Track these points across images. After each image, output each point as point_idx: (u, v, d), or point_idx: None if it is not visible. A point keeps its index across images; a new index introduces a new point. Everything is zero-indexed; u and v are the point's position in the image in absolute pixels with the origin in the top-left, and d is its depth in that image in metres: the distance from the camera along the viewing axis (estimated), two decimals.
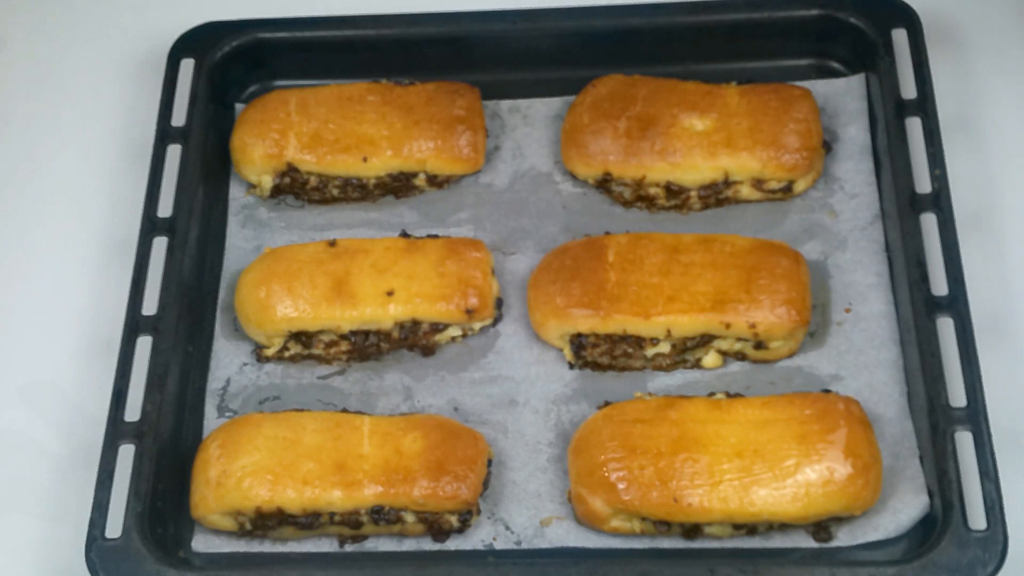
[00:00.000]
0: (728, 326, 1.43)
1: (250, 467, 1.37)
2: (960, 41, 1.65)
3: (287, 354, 1.51)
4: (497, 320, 1.51)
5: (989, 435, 1.33)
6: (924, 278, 1.42)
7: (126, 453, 1.39)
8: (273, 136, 1.59)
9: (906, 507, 1.35)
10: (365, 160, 1.57)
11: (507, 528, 1.39)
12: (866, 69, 1.61)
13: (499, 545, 1.38)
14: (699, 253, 1.46)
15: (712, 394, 1.42)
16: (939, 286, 1.42)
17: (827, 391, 1.41)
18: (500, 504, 1.40)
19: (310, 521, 1.37)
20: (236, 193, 1.63)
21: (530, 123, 1.64)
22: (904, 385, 1.43)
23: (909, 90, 1.54)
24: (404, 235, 1.55)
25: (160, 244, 1.52)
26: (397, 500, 1.36)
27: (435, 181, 1.60)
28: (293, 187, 1.60)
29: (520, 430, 1.44)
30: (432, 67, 1.64)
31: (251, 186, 1.62)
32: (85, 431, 1.47)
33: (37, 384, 1.53)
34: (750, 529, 1.36)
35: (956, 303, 1.40)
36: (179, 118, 1.60)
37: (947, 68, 1.60)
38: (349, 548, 1.39)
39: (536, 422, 1.45)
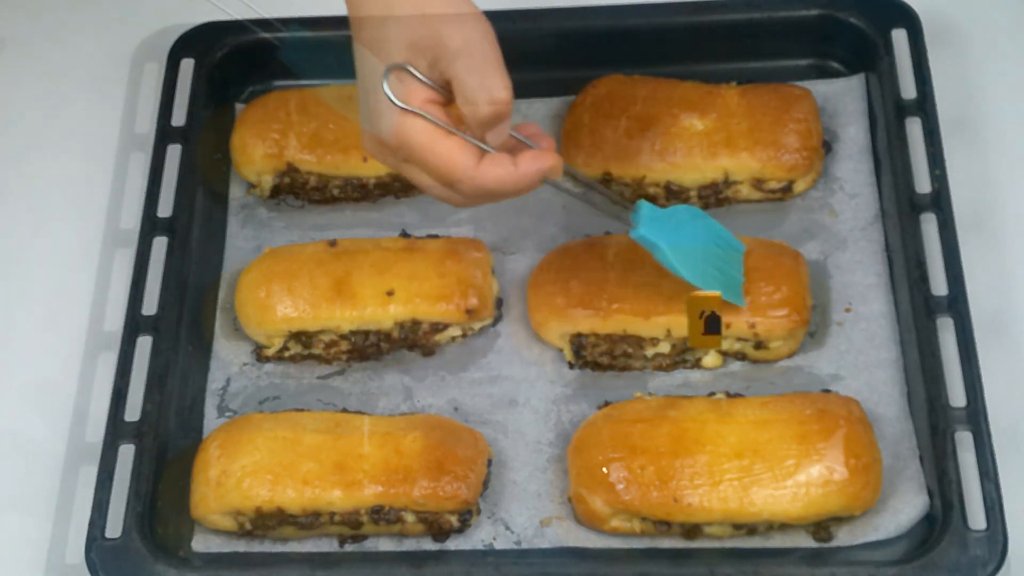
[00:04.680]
0: (728, 326, 1.42)
1: (250, 467, 1.37)
2: (960, 41, 1.65)
3: (287, 354, 1.51)
4: (497, 320, 1.51)
5: (989, 435, 1.33)
6: (924, 278, 1.42)
7: (126, 453, 1.39)
8: (273, 136, 1.59)
9: (906, 507, 1.35)
10: (365, 160, 1.57)
11: (507, 528, 1.39)
12: (866, 69, 1.61)
13: (499, 545, 1.38)
14: None
15: (712, 394, 1.42)
16: (939, 286, 1.42)
17: (827, 391, 1.41)
18: (500, 504, 1.40)
19: (310, 521, 1.37)
20: (236, 193, 1.63)
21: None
22: (904, 385, 1.43)
23: (909, 90, 1.54)
24: (404, 235, 1.55)
25: (160, 244, 1.52)
26: (397, 500, 1.36)
27: None
28: (293, 187, 1.60)
29: (520, 430, 1.44)
30: None
31: (251, 186, 1.62)
32: (85, 431, 1.47)
33: (37, 384, 1.53)
34: (750, 529, 1.35)
35: (956, 303, 1.40)
36: (179, 118, 1.60)
37: (947, 68, 1.60)
38: (349, 548, 1.39)
39: (536, 422, 1.45)
